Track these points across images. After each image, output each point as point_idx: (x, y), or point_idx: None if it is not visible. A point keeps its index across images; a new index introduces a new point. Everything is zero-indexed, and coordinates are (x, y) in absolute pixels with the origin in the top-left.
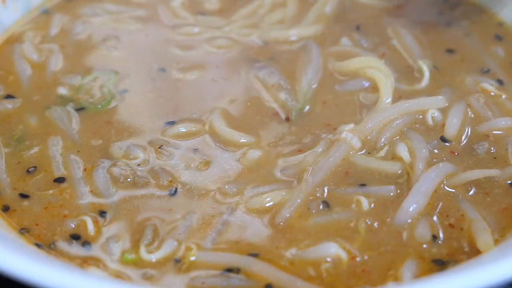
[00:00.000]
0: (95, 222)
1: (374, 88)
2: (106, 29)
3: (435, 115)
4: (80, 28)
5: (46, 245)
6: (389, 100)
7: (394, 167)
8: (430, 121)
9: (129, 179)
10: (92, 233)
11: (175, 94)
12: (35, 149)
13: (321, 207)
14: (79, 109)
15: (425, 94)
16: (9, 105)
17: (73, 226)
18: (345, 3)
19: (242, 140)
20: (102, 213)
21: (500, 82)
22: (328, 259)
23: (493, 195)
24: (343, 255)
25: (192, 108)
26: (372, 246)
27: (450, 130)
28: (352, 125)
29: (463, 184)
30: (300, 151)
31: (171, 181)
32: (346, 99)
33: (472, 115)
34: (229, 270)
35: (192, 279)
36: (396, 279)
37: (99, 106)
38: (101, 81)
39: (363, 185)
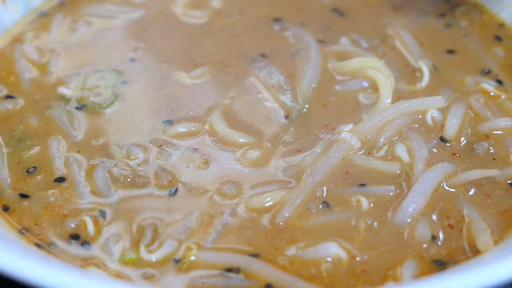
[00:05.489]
0: (95, 222)
1: (374, 88)
2: (107, 29)
3: (435, 115)
4: (81, 28)
5: (46, 245)
6: (389, 100)
7: (393, 167)
8: (429, 121)
9: (129, 179)
10: (92, 233)
11: (175, 94)
12: (36, 149)
13: (321, 207)
14: (80, 109)
15: (425, 94)
16: (9, 105)
17: (73, 226)
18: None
19: (242, 140)
20: (102, 213)
21: (499, 82)
22: (328, 259)
23: (493, 195)
24: (343, 255)
25: (192, 108)
26: (372, 246)
27: (450, 130)
28: (351, 125)
29: (463, 184)
30: (299, 151)
31: (171, 181)
32: (345, 99)
33: (472, 115)
34: (229, 270)
35: (192, 279)
36: (396, 279)
37: (104, 106)
38: (105, 80)
39: (362, 185)
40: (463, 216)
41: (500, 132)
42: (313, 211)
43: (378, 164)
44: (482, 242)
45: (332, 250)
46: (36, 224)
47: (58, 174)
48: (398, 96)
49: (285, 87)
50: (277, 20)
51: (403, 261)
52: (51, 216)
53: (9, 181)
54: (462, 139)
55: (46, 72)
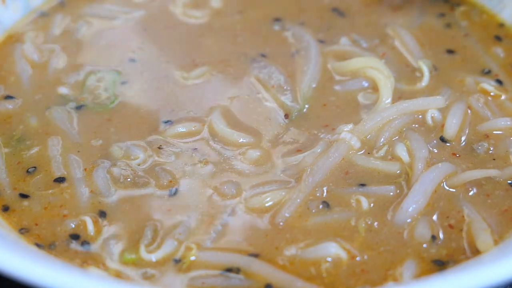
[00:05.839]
0: (95, 222)
1: (373, 88)
2: (107, 29)
3: (435, 115)
4: (81, 28)
5: (46, 245)
6: (389, 100)
7: (393, 167)
8: (429, 121)
9: (129, 179)
10: (92, 233)
11: (175, 94)
12: (35, 149)
13: (321, 207)
14: (80, 109)
15: (425, 94)
16: (9, 105)
17: (73, 226)
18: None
19: (242, 140)
20: (102, 213)
21: (499, 82)
22: (328, 259)
23: (493, 195)
24: (343, 255)
25: (192, 108)
26: (372, 246)
27: (450, 130)
28: (351, 125)
29: (463, 184)
30: (299, 151)
31: (171, 181)
32: (345, 99)
33: (471, 114)
34: (229, 270)
35: (192, 279)
36: (396, 279)
37: (103, 106)
38: (105, 81)
39: (362, 185)
40: (463, 216)
41: (500, 132)
42: (313, 211)
43: (378, 164)
44: (482, 242)
45: (332, 250)
46: (36, 224)
47: (58, 174)
48: (398, 96)
49: (285, 87)
50: (277, 20)
51: (403, 261)
52: (51, 216)
53: (9, 181)
54: (462, 139)
55: (46, 72)
